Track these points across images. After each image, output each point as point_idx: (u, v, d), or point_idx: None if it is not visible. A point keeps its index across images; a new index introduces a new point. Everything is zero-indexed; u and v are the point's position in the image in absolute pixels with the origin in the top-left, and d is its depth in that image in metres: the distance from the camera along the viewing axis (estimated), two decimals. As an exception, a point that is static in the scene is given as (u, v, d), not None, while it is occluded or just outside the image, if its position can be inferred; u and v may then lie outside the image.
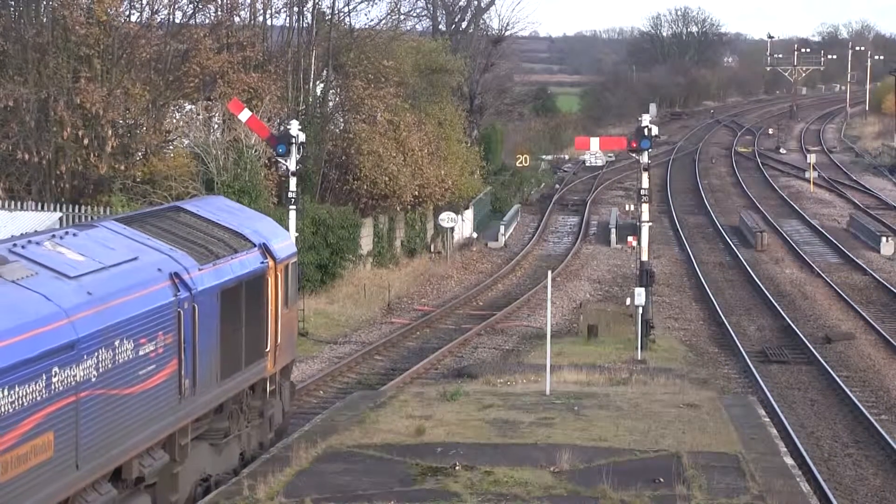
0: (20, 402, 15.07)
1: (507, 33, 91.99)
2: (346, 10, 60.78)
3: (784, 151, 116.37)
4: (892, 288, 50.44)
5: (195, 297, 20.06)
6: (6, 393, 14.80)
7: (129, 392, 17.87)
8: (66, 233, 19.00)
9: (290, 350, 25.77)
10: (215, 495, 20.70)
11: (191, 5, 50.36)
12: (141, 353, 18.21)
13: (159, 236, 20.91)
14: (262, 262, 23.43)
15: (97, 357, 16.86)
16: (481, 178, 70.53)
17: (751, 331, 43.65)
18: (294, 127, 36.77)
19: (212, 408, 21.37)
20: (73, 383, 16.22)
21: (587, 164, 66.22)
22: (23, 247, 17.49)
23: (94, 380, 16.79)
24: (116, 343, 17.43)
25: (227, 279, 21.55)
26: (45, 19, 44.19)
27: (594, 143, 40.74)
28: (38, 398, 15.47)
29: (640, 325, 36.96)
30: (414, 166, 55.90)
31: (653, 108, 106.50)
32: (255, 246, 23.48)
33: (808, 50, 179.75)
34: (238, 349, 22.15)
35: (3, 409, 14.75)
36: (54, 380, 15.79)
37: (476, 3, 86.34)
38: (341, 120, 56.51)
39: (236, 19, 53.37)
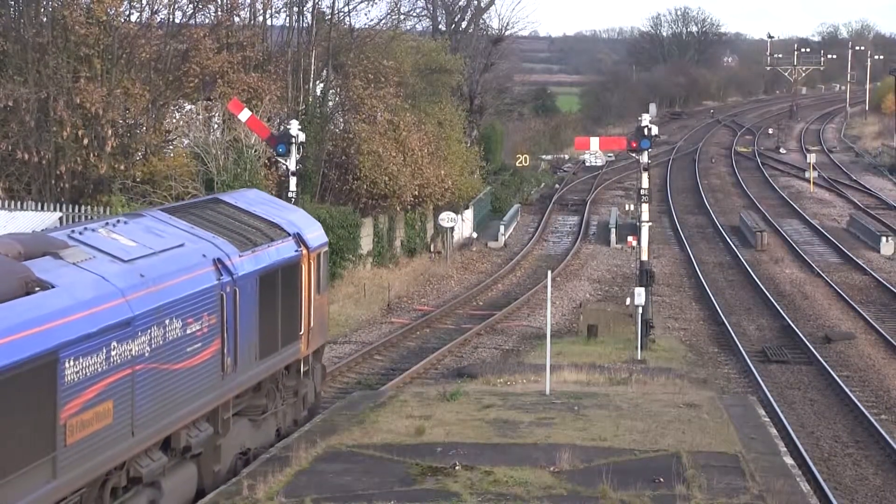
0: (84, 371, 16.61)
1: (507, 33, 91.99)
2: (346, 10, 60.87)
3: (784, 151, 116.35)
4: (892, 288, 50.43)
5: (236, 282, 21.57)
6: (72, 363, 16.30)
7: (178, 367, 19.41)
8: (118, 221, 20.61)
9: (322, 334, 27.12)
10: (215, 495, 20.76)
11: (191, 5, 50.41)
12: (188, 331, 19.72)
13: (202, 225, 22.30)
14: (297, 251, 24.88)
15: (150, 334, 18.43)
16: (481, 178, 70.52)
17: (751, 331, 43.64)
18: (294, 127, 36.77)
19: (251, 385, 22.83)
20: (129, 357, 17.79)
21: (587, 164, 66.22)
22: (80, 233, 19.05)
23: (147, 354, 18.33)
24: (167, 322, 18.98)
25: (265, 265, 23.05)
26: (45, 19, 44.18)
27: (594, 143, 40.71)
28: (100, 369, 17.00)
29: (640, 325, 36.96)
30: (414, 166, 55.89)
31: (653, 107, 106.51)
32: (289, 235, 24.88)
33: (808, 50, 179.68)
34: (275, 331, 23.57)
35: (69, 378, 16.24)
36: (113, 353, 17.36)
37: (476, 2, 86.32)
38: (341, 120, 56.51)
39: (236, 19, 53.40)
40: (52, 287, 16.65)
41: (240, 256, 22.10)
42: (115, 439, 17.52)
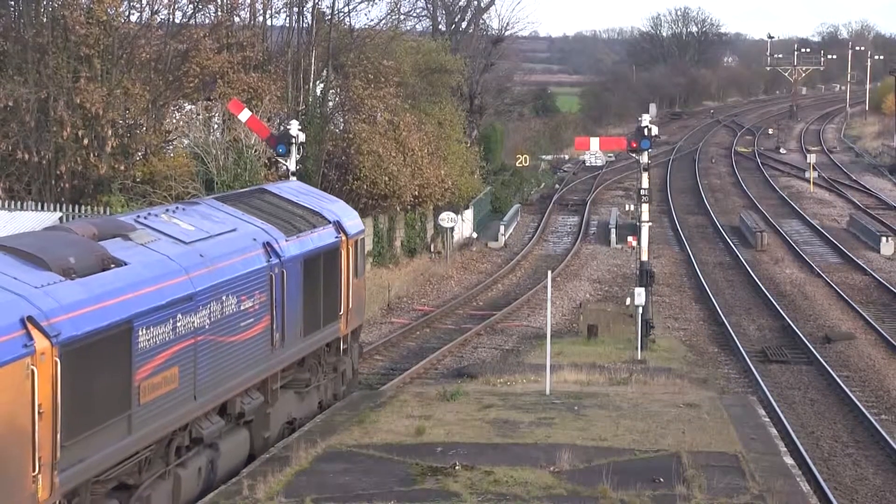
0: (154, 340, 18.64)
1: (507, 33, 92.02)
2: (346, 10, 60.93)
3: (784, 151, 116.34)
4: (892, 288, 50.41)
5: (283, 264, 23.61)
6: (144, 332, 18.35)
7: (233, 340, 21.46)
8: (177, 208, 22.77)
9: (359, 315, 29.20)
10: (215, 495, 20.79)
11: (191, 5, 50.38)
12: (242, 308, 21.80)
13: (251, 212, 24.33)
14: (336, 237, 26.95)
15: (209, 308, 20.46)
16: (481, 178, 70.49)
17: (751, 331, 43.63)
18: (294, 127, 36.74)
19: (296, 360, 24.87)
20: (192, 328, 19.81)
21: (587, 164, 66.21)
22: (145, 218, 21.25)
23: (207, 327, 20.36)
24: (223, 298, 21.00)
25: (309, 250, 25.14)
26: (45, 19, 44.15)
27: (594, 143, 40.68)
28: (167, 338, 19.02)
29: (640, 325, 36.94)
30: (414, 166, 55.86)
31: (653, 108, 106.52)
32: (329, 223, 27.00)
33: (808, 50, 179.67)
34: (317, 311, 25.63)
35: (142, 345, 18.30)
36: (178, 324, 19.38)
37: (476, 3, 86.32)
38: (341, 120, 56.48)
39: (236, 19, 53.41)
40: (125, 264, 18.72)
41: (286, 241, 24.10)
42: (181, 402, 19.54)
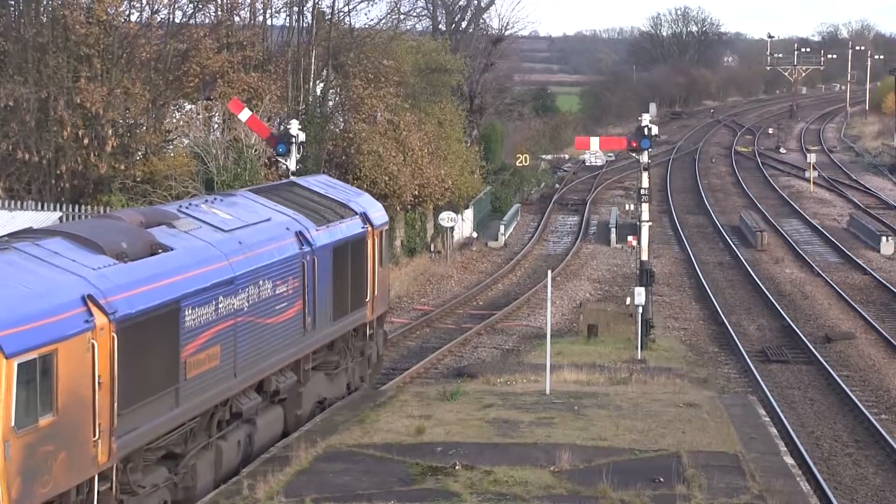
0: (199, 319, 20.11)
1: (507, 33, 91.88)
2: (346, 9, 60.78)
3: (784, 151, 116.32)
4: (892, 288, 50.41)
5: (314, 252, 25.17)
6: (190, 311, 19.83)
7: (269, 322, 22.95)
8: (215, 199, 24.44)
9: (383, 302, 30.62)
10: (215, 495, 20.80)
11: (191, 5, 50.32)
12: (277, 292, 23.30)
13: (283, 203, 25.82)
14: (363, 228, 28.46)
15: (247, 292, 21.98)
16: (481, 177, 70.47)
17: (751, 330, 43.63)
18: (294, 127, 36.70)
19: (326, 343, 26.36)
20: (232, 310, 21.32)
21: (587, 164, 66.14)
22: (187, 207, 22.87)
23: (245, 309, 21.88)
24: (260, 282, 22.52)
25: (338, 239, 26.69)
26: (45, 19, 44.12)
27: (594, 142, 40.67)
28: (210, 318, 20.54)
29: (640, 324, 36.94)
30: (414, 166, 55.84)
31: (653, 107, 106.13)
32: (356, 214, 28.48)
33: (808, 50, 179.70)
34: (345, 297, 27.08)
35: (188, 324, 19.80)
36: (220, 306, 20.87)
37: (476, 2, 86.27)
38: (341, 120, 56.44)
39: (236, 19, 53.33)
40: (172, 250, 20.25)
41: (317, 230, 25.62)
42: (222, 379, 21.02)
